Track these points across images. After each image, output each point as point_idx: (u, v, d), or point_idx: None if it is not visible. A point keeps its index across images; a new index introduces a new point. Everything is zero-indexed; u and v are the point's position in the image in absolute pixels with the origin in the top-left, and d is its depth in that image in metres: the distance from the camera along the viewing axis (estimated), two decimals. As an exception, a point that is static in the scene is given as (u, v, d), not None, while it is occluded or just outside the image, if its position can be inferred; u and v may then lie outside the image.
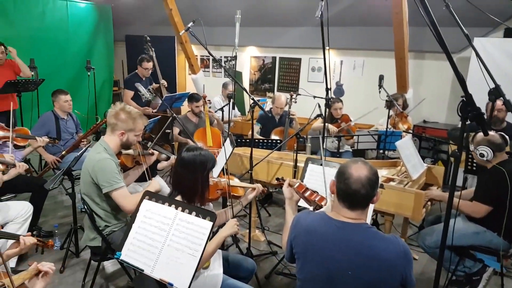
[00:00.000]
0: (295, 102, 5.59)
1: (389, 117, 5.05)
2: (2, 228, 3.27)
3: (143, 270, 2.03)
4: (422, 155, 4.23)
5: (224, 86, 6.93)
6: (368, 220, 2.11)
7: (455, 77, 1.85)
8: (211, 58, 9.48)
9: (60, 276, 3.64)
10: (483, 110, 1.82)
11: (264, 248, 4.27)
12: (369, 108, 5.29)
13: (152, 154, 3.50)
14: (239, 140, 4.72)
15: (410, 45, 6.22)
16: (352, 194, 1.90)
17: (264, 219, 4.96)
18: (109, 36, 9.48)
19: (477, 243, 3.31)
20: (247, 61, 8.96)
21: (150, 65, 6.23)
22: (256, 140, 4.82)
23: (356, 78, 7.60)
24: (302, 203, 2.62)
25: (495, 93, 2.05)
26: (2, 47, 5.85)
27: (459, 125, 1.95)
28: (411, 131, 5.64)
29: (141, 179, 3.50)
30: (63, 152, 4.74)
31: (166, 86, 6.59)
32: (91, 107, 7.90)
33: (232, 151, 3.29)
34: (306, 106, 5.25)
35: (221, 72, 9.52)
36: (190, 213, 2.06)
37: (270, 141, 4.95)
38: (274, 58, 8.58)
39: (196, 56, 9.12)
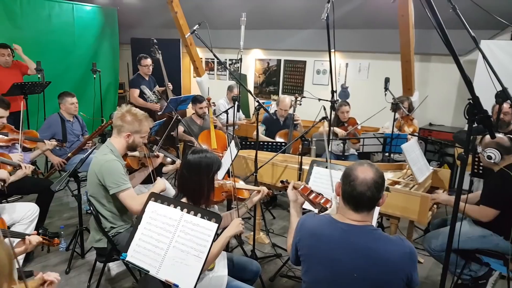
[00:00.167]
0: (300, 104, 5.58)
1: (394, 120, 5.04)
2: (9, 229, 3.28)
3: (148, 271, 2.03)
4: (427, 158, 4.21)
5: (230, 89, 6.95)
6: (374, 223, 2.10)
7: (461, 80, 1.85)
8: (216, 60, 9.50)
9: (65, 277, 3.64)
10: (490, 113, 1.81)
11: (268, 251, 4.27)
12: (374, 111, 5.28)
13: (158, 156, 3.51)
14: (243, 143, 4.72)
15: (416, 47, 6.20)
16: (358, 196, 1.90)
17: (269, 222, 4.96)
18: (115, 39, 9.54)
19: (483, 246, 3.28)
20: (252, 63, 8.97)
21: (148, 61, 6.28)
22: (261, 143, 4.82)
23: (361, 80, 7.59)
24: (307, 205, 2.62)
25: (502, 95, 2.05)
26: (9, 49, 5.90)
27: (465, 128, 1.95)
28: (416, 134, 5.62)
29: (147, 181, 3.51)
30: (69, 154, 4.77)
31: (171, 88, 6.62)
32: (96, 109, 7.94)
33: (237, 153, 3.29)
34: (311, 109, 5.25)
35: (225, 75, 9.54)
36: (195, 214, 2.07)
37: (274, 143, 4.94)
38: (279, 61, 8.59)
39: (201, 58, 9.14)
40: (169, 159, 3.82)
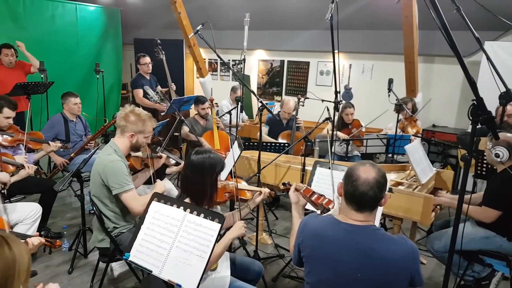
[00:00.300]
0: (303, 105, 5.57)
1: (398, 121, 5.03)
2: (12, 229, 3.29)
3: (151, 271, 2.03)
4: (431, 159, 4.19)
5: (233, 90, 6.94)
6: (377, 224, 2.10)
7: (465, 81, 1.85)
8: (219, 61, 9.52)
9: (68, 277, 3.65)
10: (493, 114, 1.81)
11: (271, 251, 4.27)
12: (377, 112, 5.27)
13: (161, 157, 3.51)
14: (246, 143, 4.72)
15: (419, 48, 6.20)
16: (360, 196, 1.90)
17: (272, 222, 4.96)
18: (118, 39, 9.56)
19: (486, 247, 3.27)
20: (255, 64, 8.97)
21: (147, 59, 6.30)
22: (264, 144, 4.81)
23: (365, 82, 7.59)
24: (309, 206, 2.62)
25: (506, 97, 2.03)
26: (12, 49, 5.91)
27: (469, 130, 1.94)
28: (420, 135, 5.61)
29: (150, 181, 3.52)
30: (72, 154, 4.78)
31: (174, 89, 6.63)
32: (99, 110, 7.95)
33: (240, 154, 3.29)
34: (314, 110, 5.25)
35: (229, 76, 9.55)
36: (198, 215, 2.07)
37: (277, 144, 4.94)
38: (282, 62, 8.59)
39: (204, 59, 9.14)
40: (172, 160, 3.82)
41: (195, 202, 2.42)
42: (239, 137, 3.69)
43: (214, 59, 9.60)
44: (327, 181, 3.01)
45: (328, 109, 4.38)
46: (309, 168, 3.50)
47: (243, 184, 3.19)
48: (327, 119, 4.20)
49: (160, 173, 3.70)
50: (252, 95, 5.14)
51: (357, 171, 1.93)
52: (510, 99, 2.05)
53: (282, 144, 4.94)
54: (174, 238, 2.06)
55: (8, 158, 3.57)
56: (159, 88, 6.57)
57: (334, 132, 4.36)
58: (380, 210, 2.32)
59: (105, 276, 3.42)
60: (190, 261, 1.99)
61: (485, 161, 3.80)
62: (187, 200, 2.44)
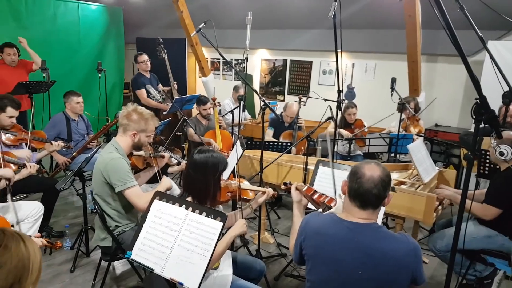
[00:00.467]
0: (304, 105, 5.56)
1: (401, 120, 5.02)
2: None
3: (153, 270, 2.03)
4: (433, 158, 4.19)
5: (235, 89, 6.93)
6: (379, 223, 2.09)
7: (468, 81, 1.85)
8: (221, 60, 9.51)
9: (70, 276, 3.65)
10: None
11: (273, 250, 4.26)
12: (380, 111, 5.26)
13: (163, 157, 3.50)
14: (249, 143, 4.71)
15: (422, 48, 6.18)
16: (364, 193, 1.90)
17: (274, 222, 4.95)
18: (120, 38, 9.56)
19: (488, 247, 3.27)
20: (258, 63, 8.97)
21: (144, 57, 6.28)
22: (266, 143, 4.81)
23: (367, 81, 7.58)
24: (311, 206, 2.61)
25: (509, 96, 2.04)
26: (15, 48, 5.91)
27: (471, 129, 1.94)
28: (422, 135, 5.60)
29: (152, 180, 3.51)
30: (74, 153, 4.78)
31: (176, 88, 6.62)
32: (101, 109, 7.96)
33: (242, 153, 3.29)
34: (316, 109, 5.24)
35: (231, 75, 9.54)
36: (200, 213, 2.07)
37: (280, 143, 4.93)
38: (285, 61, 8.59)
39: (207, 58, 9.14)
40: (174, 160, 3.82)
41: (198, 201, 2.42)
42: (242, 136, 3.68)
43: (217, 58, 9.59)
44: (330, 180, 3.01)
45: (330, 108, 4.38)
46: (311, 167, 3.50)
47: (245, 184, 3.18)
48: (329, 118, 4.20)
49: (162, 173, 3.69)
50: (255, 94, 5.14)
51: (362, 169, 1.94)
52: (513, 98, 2.04)
53: (284, 143, 4.94)
54: (176, 236, 2.06)
55: (10, 157, 3.57)
56: (160, 87, 6.56)
57: (337, 131, 4.35)
58: (382, 210, 2.32)
59: (107, 274, 3.42)
60: (192, 259, 1.98)
61: (487, 160, 3.79)
62: (189, 198, 2.44)
